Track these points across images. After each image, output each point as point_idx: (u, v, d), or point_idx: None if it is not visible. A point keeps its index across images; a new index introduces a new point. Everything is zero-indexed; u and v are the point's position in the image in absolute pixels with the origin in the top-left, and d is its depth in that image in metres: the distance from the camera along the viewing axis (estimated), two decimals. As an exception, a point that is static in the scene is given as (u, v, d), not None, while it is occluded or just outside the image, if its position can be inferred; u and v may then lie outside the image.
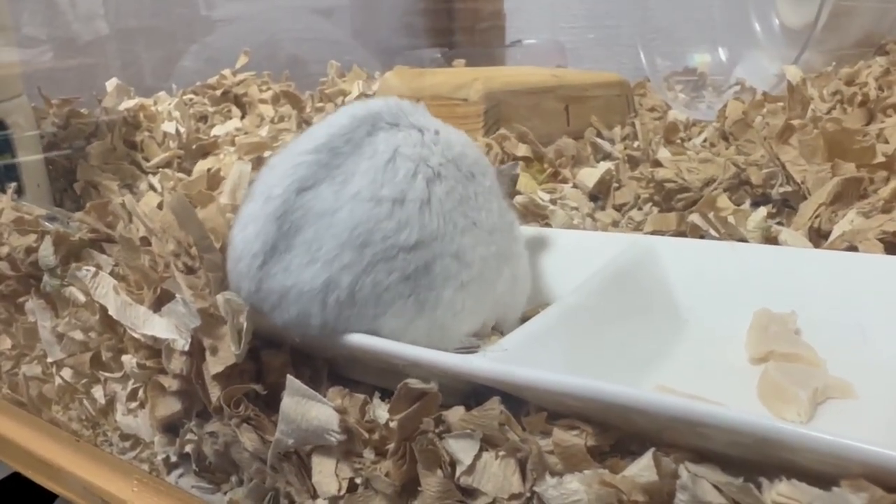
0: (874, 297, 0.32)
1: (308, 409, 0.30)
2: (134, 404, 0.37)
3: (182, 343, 0.33)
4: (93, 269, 0.36)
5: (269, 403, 0.34)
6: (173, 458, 0.37)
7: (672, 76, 0.98)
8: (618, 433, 0.26)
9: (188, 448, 0.36)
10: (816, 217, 0.42)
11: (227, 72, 0.89)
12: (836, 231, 0.40)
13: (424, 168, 0.32)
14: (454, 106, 0.65)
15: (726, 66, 1.00)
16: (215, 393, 0.33)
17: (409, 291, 0.31)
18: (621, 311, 0.34)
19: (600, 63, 1.22)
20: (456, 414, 0.27)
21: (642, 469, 0.23)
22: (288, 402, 0.30)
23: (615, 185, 0.58)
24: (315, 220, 0.31)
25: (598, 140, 0.66)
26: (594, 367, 0.30)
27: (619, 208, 0.57)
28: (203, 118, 0.83)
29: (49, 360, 0.40)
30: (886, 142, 0.48)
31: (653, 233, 0.51)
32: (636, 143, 0.68)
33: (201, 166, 0.67)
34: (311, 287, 0.31)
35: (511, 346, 0.30)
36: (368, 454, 0.29)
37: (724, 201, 0.45)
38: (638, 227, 0.52)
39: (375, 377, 0.34)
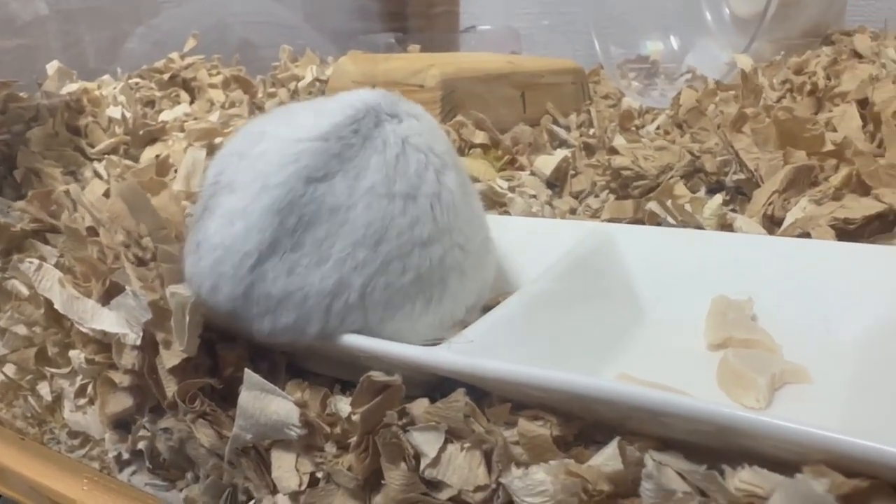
0: (828, 283, 0.33)
1: (267, 403, 0.29)
2: (83, 401, 0.36)
3: (133, 337, 0.32)
4: (36, 261, 0.34)
5: (226, 398, 0.33)
6: (125, 456, 0.36)
7: (625, 63, 0.98)
8: (581, 423, 0.26)
9: (141, 445, 0.35)
10: (770, 204, 0.42)
11: (174, 55, 0.86)
12: (790, 218, 0.41)
13: (434, 159, 0.32)
14: (410, 92, 0.64)
15: (678, 54, 1.01)
16: (170, 388, 0.32)
17: (418, 290, 0.30)
18: (582, 300, 0.34)
19: (555, 50, 1.22)
20: (420, 406, 0.26)
21: (607, 458, 0.24)
22: (246, 397, 0.30)
23: (572, 172, 0.58)
24: (328, 215, 0.29)
25: (555, 127, 0.66)
26: (556, 357, 0.30)
27: (576, 196, 0.57)
28: (150, 103, 0.81)
29: (-10, 356, 0.39)
30: (835, 130, 0.49)
31: (610, 220, 0.51)
32: (591, 131, 0.69)
33: (149, 153, 0.65)
34: (319, 290, 0.29)
35: (475, 336, 0.29)
36: (330, 448, 0.29)
37: (680, 189, 0.46)
38: (595, 215, 0.52)
39: (335, 369, 0.33)
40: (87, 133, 0.69)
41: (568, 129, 0.70)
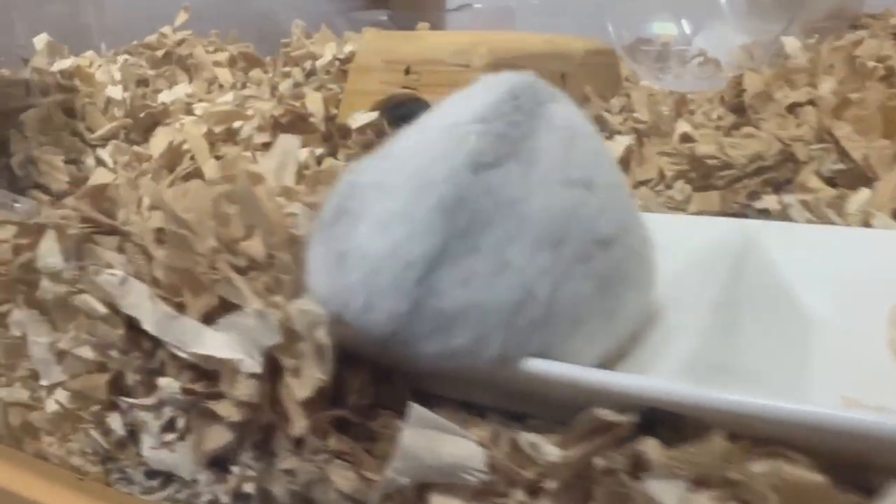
0: None
1: (439, 442, 0.25)
2: (171, 436, 0.30)
3: (251, 364, 0.27)
4: (119, 273, 0.29)
5: (355, 431, 0.28)
6: (224, 499, 0.30)
7: (636, 45, 0.95)
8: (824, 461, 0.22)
9: (247, 487, 0.29)
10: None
11: (167, 29, 0.78)
12: (928, 214, 0.38)
13: (601, 146, 0.27)
14: (454, 73, 0.59)
15: (688, 37, 0.99)
16: (299, 423, 0.27)
17: (600, 301, 0.25)
18: (755, 310, 0.31)
19: (551, 30, 1.18)
20: (655, 449, 0.22)
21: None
22: (411, 435, 0.25)
23: (635, 160, 0.55)
24: (506, 209, 0.24)
25: (604, 114, 0.62)
26: (760, 381, 0.26)
27: (638, 186, 0.53)
28: (142, 82, 0.73)
29: (43, 382, 0.32)
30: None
31: (698, 213, 0.48)
32: (635, 115, 0.65)
33: (161, 138, 0.59)
34: (500, 303, 0.24)
35: (681, 360, 0.25)
36: (518, 495, 0.24)
37: (814, 181, 0.43)
38: (679, 207, 0.48)
39: (473, 393, 0.28)
40: (83, 116, 0.62)
41: (609, 112, 0.66)
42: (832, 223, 0.38)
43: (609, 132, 0.61)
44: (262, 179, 0.31)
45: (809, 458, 0.22)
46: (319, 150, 0.60)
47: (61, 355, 0.32)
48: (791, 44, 0.67)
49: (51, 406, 0.33)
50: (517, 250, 0.24)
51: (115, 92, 0.64)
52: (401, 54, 0.62)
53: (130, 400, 0.30)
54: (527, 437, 0.24)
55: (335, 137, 0.61)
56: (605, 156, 0.29)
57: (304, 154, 0.59)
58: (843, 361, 0.30)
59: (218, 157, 0.57)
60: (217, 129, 0.57)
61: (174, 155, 0.58)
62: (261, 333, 0.26)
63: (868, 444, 0.21)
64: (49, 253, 0.30)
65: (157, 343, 0.29)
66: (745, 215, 0.48)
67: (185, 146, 0.58)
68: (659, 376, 0.24)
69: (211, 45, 0.78)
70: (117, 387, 0.31)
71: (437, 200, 0.24)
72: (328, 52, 0.70)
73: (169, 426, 0.30)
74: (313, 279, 0.27)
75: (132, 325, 0.30)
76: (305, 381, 0.27)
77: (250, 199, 0.29)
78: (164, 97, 0.69)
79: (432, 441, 0.25)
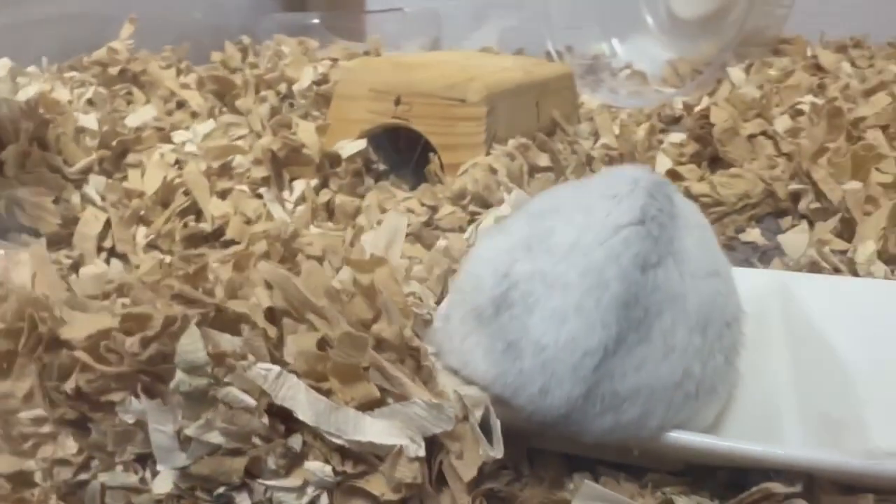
0: None
1: (611, 514, 0.28)
2: (313, 513, 0.31)
3: (415, 448, 0.29)
4: (274, 367, 0.29)
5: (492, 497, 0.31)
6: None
7: (569, 59, 1.00)
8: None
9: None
10: (882, 240, 0.46)
11: (116, 44, 0.74)
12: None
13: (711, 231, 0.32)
14: (449, 107, 0.61)
15: (615, 51, 1.05)
16: (463, 500, 0.29)
17: (725, 373, 0.30)
18: (811, 365, 0.35)
19: (472, 34, 1.21)
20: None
21: None
22: (584, 509, 0.28)
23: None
24: (669, 303, 0.28)
25: (581, 141, 0.66)
26: (871, 433, 0.31)
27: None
28: (93, 103, 0.70)
29: (160, 467, 0.32)
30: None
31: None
32: (600, 142, 0.70)
33: (155, 173, 0.57)
34: (666, 383, 0.28)
35: (800, 422, 0.30)
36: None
37: (826, 234, 0.48)
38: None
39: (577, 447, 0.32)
40: (59, 149, 0.58)
41: (580, 138, 0.70)
42: (836, 268, 0.44)
43: (585, 159, 0.65)
44: (382, 262, 0.33)
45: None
46: (314, 182, 0.60)
47: (186, 442, 0.32)
48: (736, 74, 0.74)
49: (162, 488, 0.33)
50: (679, 336, 0.28)
51: (89, 121, 0.60)
52: (389, 84, 0.63)
53: (271, 482, 0.31)
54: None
55: (325, 167, 0.62)
56: (716, 242, 0.33)
57: (301, 186, 0.59)
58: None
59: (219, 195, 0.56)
60: (215, 165, 0.56)
61: (168, 191, 0.57)
62: (430, 421, 0.28)
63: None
64: (193, 349, 0.30)
65: (291, 428, 0.30)
66: (732, 248, 0.54)
67: (178, 179, 0.57)
68: (797, 440, 0.28)
69: (164, 61, 0.75)
70: (260, 470, 0.32)
71: (615, 297, 0.28)
72: (306, 76, 0.69)
73: (312, 505, 0.31)
74: (468, 365, 0.29)
75: (271, 411, 0.31)
76: (469, 461, 0.29)
77: (389, 284, 0.31)
78: (131, 121, 0.66)
79: (604, 513, 0.28)
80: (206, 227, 0.55)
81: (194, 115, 0.67)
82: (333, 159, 0.62)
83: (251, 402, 0.30)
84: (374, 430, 0.29)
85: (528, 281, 0.29)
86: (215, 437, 0.32)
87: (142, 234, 0.55)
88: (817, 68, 0.78)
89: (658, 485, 0.31)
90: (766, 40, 0.88)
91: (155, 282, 0.38)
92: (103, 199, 0.56)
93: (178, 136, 0.62)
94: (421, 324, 0.32)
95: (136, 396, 0.32)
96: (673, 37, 0.99)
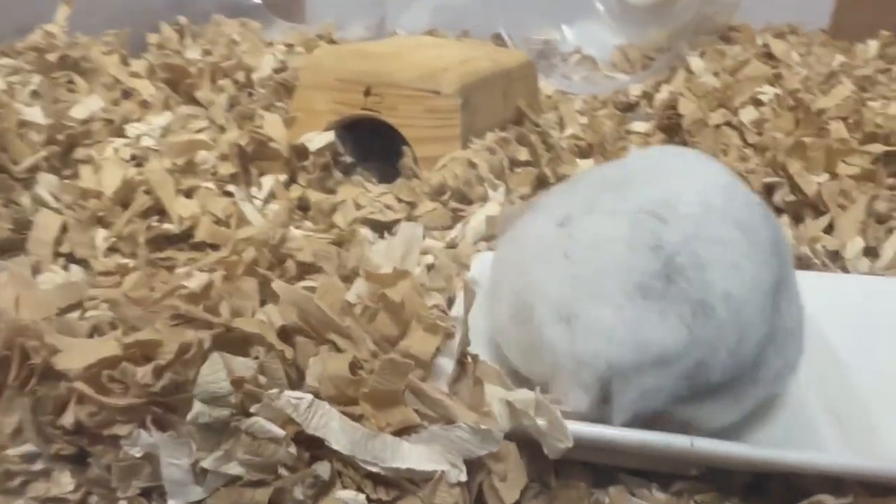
0: None
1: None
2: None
3: (457, 473, 0.28)
4: (306, 396, 0.27)
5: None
6: None
7: (522, 44, 0.99)
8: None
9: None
10: (862, 234, 0.48)
11: (52, 27, 0.69)
12: (889, 250, 0.46)
13: None
14: (423, 98, 0.59)
15: (565, 36, 1.05)
16: (506, 524, 0.28)
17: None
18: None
19: (420, 15, 1.18)
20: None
21: None
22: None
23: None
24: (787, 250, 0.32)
25: (552, 132, 0.66)
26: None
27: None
28: (33, 94, 0.64)
29: (172, 501, 0.30)
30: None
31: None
32: (568, 132, 0.69)
33: (113, 171, 0.53)
34: (797, 320, 0.31)
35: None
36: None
37: (817, 231, 0.49)
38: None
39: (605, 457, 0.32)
40: (4, 146, 0.54)
41: (551, 130, 0.69)
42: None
43: (555, 152, 0.64)
44: (405, 275, 0.31)
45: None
46: (283, 178, 0.57)
47: (201, 474, 0.30)
48: (696, 63, 0.75)
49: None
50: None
51: (33, 114, 0.56)
52: (358, 74, 0.61)
53: (296, 514, 0.30)
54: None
55: (293, 161, 0.59)
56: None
57: (270, 183, 0.57)
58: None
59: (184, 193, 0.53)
60: (179, 162, 0.53)
61: (128, 190, 0.53)
62: (475, 444, 0.27)
63: None
64: (215, 378, 0.27)
65: (316, 455, 0.29)
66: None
67: (139, 178, 0.53)
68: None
69: (106, 46, 0.70)
70: (286, 500, 0.30)
71: (766, 240, 0.31)
72: (266, 64, 0.66)
73: (342, 534, 0.30)
74: (642, 348, 0.29)
75: (297, 439, 0.29)
76: (512, 483, 0.28)
77: (413, 300, 0.29)
78: (77, 112, 0.61)
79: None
80: (172, 228, 0.51)
81: (144, 105, 0.63)
82: (300, 153, 0.60)
83: (279, 432, 0.28)
84: (413, 456, 0.28)
85: (686, 245, 0.29)
86: (234, 469, 0.30)
87: (101, 237, 0.51)
88: (769, 57, 0.80)
89: (690, 493, 0.31)
90: (715, 28, 0.89)
91: (142, 297, 0.35)
92: (57, 199, 0.52)
93: (132, 129, 0.58)
94: (445, 337, 0.31)
95: (145, 428, 0.29)
96: (622, 22, 0.99)
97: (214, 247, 0.51)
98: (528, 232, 0.34)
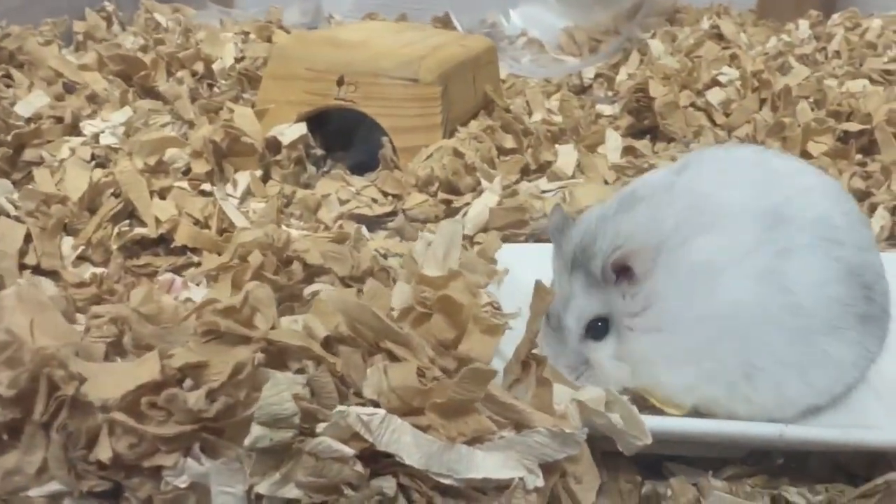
0: None
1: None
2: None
3: (532, 479, 0.27)
4: (379, 412, 0.26)
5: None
6: None
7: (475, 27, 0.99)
8: None
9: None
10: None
11: (-18, 18, 0.63)
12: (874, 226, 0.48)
13: None
14: (400, 87, 0.57)
15: (511, 18, 1.04)
16: (585, 527, 0.28)
17: None
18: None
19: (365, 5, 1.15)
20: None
21: None
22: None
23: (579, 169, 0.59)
24: None
25: (525, 119, 0.65)
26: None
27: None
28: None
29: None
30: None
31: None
32: (537, 117, 0.69)
33: (76, 173, 0.49)
34: None
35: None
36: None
37: None
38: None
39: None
40: (-51, 148, 0.49)
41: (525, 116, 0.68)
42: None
43: (535, 138, 0.64)
44: (460, 276, 0.30)
45: None
46: (258, 173, 0.55)
47: (256, 501, 0.28)
48: (656, 46, 0.76)
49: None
50: None
51: (-21, 113, 0.51)
52: (329, 63, 0.58)
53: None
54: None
55: (266, 155, 0.56)
56: None
57: (245, 179, 0.54)
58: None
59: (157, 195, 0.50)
60: (150, 161, 0.49)
61: (94, 193, 0.49)
62: (554, 448, 0.27)
63: None
64: (278, 400, 0.25)
65: (376, 470, 0.27)
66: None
67: (105, 180, 0.50)
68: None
69: (42, 37, 0.65)
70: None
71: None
72: (227, 54, 0.62)
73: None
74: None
75: (361, 456, 0.27)
76: (587, 485, 0.28)
77: (459, 298, 0.28)
78: (22, 109, 0.56)
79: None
80: (147, 232, 0.48)
81: (93, 99, 0.59)
82: (272, 146, 0.57)
83: (348, 451, 0.26)
84: (489, 464, 0.27)
85: (861, 266, 0.32)
86: (292, 492, 0.28)
87: (69, 245, 0.47)
88: (720, 38, 0.81)
89: (740, 476, 0.31)
90: (662, 10, 0.91)
91: (156, 315, 0.32)
92: (16, 207, 0.48)
93: (88, 127, 0.54)
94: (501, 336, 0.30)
95: (191, 456, 0.27)
96: (567, 5, 1.00)
97: (196, 251, 0.48)
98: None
